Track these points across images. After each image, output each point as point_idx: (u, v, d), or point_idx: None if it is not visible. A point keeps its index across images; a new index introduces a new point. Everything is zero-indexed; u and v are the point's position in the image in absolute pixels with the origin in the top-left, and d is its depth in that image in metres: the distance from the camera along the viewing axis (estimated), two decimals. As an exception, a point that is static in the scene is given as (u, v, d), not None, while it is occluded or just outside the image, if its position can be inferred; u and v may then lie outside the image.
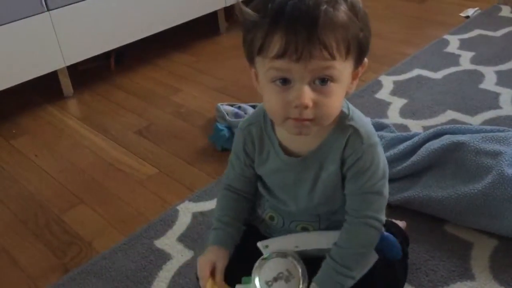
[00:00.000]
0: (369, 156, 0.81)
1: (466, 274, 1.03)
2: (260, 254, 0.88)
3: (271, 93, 0.75)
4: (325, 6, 0.69)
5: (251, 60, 0.77)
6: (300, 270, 0.85)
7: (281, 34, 0.69)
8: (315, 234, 0.92)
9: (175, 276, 1.10)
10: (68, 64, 1.88)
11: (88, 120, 1.78)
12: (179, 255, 1.15)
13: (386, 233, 0.90)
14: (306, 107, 0.72)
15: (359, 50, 0.74)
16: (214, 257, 0.90)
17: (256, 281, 0.85)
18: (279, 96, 0.74)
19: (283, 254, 0.86)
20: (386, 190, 0.85)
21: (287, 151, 0.86)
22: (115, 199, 1.37)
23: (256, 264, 0.86)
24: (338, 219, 0.94)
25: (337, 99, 0.76)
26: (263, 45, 0.71)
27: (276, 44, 0.69)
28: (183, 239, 1.20)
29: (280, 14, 0.69)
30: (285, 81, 0.73)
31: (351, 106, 0.84)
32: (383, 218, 0.86)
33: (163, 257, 1.15)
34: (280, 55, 0.69)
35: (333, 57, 0.70)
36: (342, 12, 0.70)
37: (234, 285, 0.87)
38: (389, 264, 0.91)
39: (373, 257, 0.88)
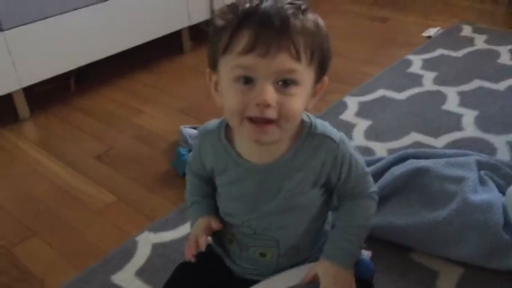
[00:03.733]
0: (347, 154, 0.84)
1: (433, 304, 1.01)
2: None
3: (232, 93, 0.74)
4: (294, 11, 0.72)
5: (213, 65, 0.78)
6: None
7: (251, 28, 0.70)
8: (284, 273, 0.88)
9: (132, 315, 1.04)
10: (24, 86, 1.80)
11: (45, 145, 1.70)
12: (137, 291, 1.10)
13: None
14: (268, 105, 0.71)
15: (321, 62, 0.76)
16: (206, 222, 0.88)
17: None
18: (240, 95, 0.73)
19: None
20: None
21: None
22: (70, 230, 1.31)
23: None
24: (299, 247, 0.91)
25: (300, 101, 0.75)
26: (231, 41, 0.72)
27: (244, 38, 0.71)
28: (142, 273, 1.14)
29: (251, 13, 0.71)
30: (248, 81, 0.73)
31: (307, 113, 0.83)
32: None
33: (120, 294, 1.09)
34: (248, 50, 0.70)
35: (298, 57, 0.72)
36: (309, 21, 0.74)
37: None
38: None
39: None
